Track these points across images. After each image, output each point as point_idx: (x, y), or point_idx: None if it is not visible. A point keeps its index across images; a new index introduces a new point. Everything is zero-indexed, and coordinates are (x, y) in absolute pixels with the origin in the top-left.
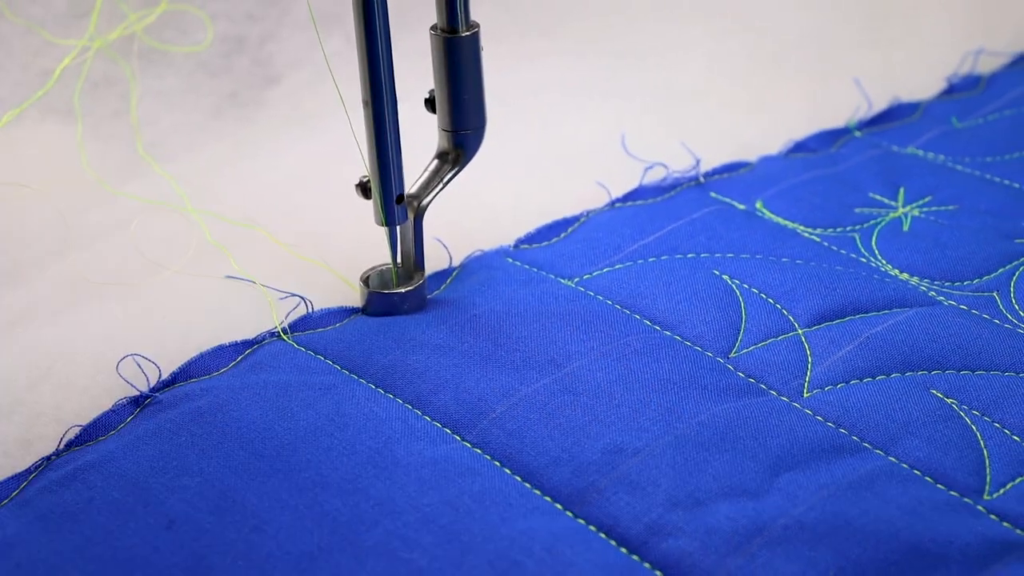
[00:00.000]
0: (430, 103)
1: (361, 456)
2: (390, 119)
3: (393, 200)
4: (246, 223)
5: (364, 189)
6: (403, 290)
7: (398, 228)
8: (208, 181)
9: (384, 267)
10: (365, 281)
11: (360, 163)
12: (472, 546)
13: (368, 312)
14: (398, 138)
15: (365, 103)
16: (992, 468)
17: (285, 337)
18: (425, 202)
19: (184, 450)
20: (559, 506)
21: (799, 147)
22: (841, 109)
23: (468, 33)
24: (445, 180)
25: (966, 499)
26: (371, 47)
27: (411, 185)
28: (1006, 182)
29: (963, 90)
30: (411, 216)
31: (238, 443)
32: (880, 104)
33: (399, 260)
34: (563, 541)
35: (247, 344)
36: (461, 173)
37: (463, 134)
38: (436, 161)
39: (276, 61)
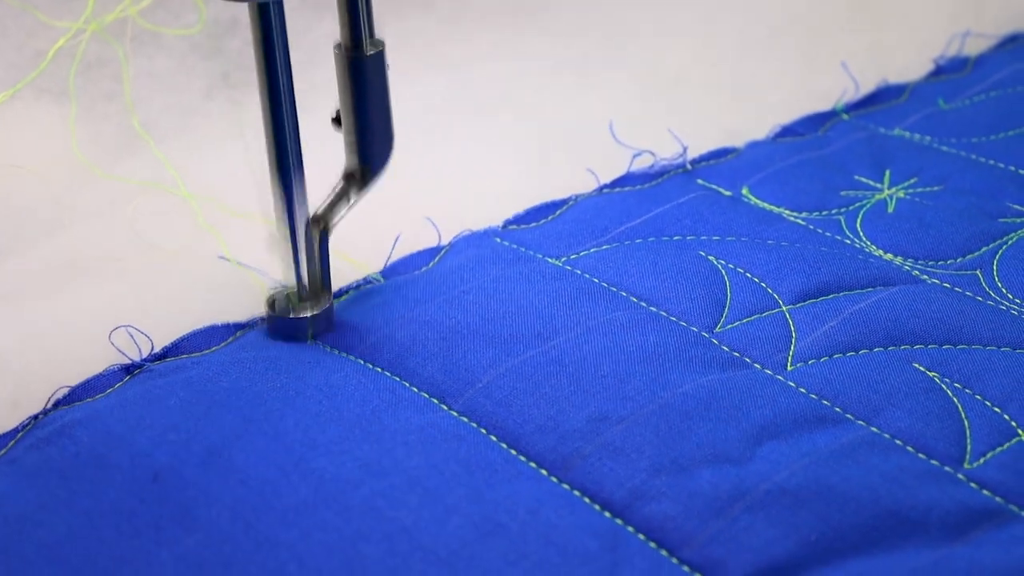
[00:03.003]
0: (337, 121)
1: (349, 422)
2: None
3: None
4: (239, 213)
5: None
6: (309, 314)
7: (302, 247)
8: (200, 162)
9: (291, 289)
10: (271, 304)
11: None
12: (457, 507)
13: (273, 336)
14: (300, 162)
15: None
16: (973, 438)
17: None
18: (332, 223)
19: (172, 412)
20: (544, 472)
21: (787, 131)
22: (830, 93)
23: (373, 51)
24: (352, 202)
25: (947, 468)
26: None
27: (318, 206)
28: (991, 162)
29: (950, 72)
30: (316, 236)
31: (227, 408)
32: (868, 87)
33: (304, 281)
34: (547, 505)
35: (239, 326)
36: (376, 187)
37: (370, 154)
38: (343, 182)
39: None
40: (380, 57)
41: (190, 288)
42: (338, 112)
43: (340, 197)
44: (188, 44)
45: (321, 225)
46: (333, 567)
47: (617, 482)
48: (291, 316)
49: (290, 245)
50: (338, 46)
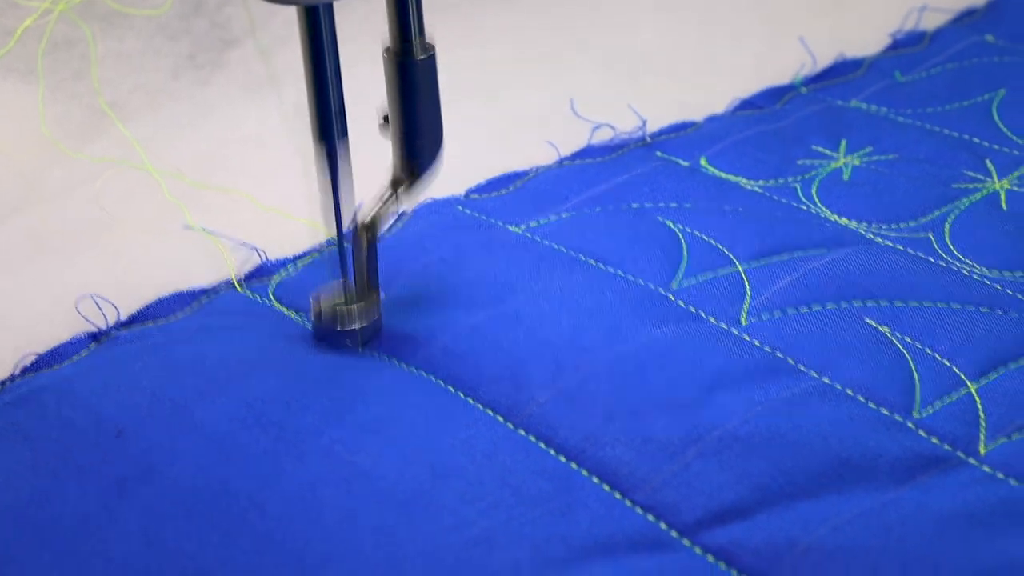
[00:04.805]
0: (385, 125)
1: (309, 379)
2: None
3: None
4: (203, 184)
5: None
6: (358, 325)
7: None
8: (167, 140)
9: (336, 298)
10: (317, 316)
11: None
12: (414, 452)
13: (318, 341)
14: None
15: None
16: (922, 388)
17: (239, 287)
18: (380, 229)
19: (138, 376)
20: (500, 418)
21: (746, 104)
22: (789, 69)
23: (424, 56)
24: (399, 207)
25: (896, 416)
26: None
27: (365, 213)
28: (946, 131)
29: (907, 46)
30: (364, 242)
31: (191, 370)
32: (826, 62)
33: (351, 280)
34: (503, 449)
35: (203, 292)
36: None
37: (419, 159)
38: (390, 187)
39: (234, 25)
40: (431, 61)
41: (156, 259)
42: (386, 116)
43: (387, 202)
44: (155, 25)
45: (369, 232)
46: (292, 512)
47: (572, 428)
48: (338, 328)
49: (338, 252)
50: (387, 49)
